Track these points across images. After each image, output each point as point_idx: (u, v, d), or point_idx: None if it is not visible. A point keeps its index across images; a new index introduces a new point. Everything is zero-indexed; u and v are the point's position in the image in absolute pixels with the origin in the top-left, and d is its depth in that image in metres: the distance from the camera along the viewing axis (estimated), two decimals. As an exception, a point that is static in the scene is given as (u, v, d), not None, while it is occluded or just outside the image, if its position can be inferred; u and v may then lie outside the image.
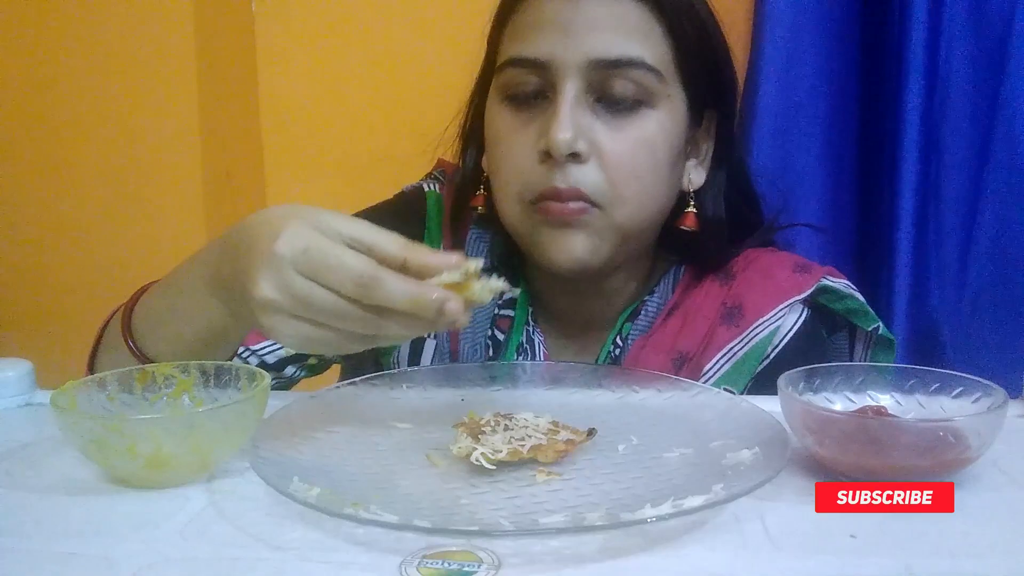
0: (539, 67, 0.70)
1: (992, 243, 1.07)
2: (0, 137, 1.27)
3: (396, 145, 1.29)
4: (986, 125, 1.03)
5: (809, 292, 0.76)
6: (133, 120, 1.26)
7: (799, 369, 0.57)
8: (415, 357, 0.81)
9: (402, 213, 0.84)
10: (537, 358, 0.79)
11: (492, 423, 0.57)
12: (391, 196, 0.89)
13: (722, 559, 0.43)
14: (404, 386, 0.67)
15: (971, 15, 1.02)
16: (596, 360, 0.80)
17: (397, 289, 0.50)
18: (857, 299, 0.78)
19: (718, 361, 0.75)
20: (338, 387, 0.66)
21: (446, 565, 0.41)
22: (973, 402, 0.54)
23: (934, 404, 0.56)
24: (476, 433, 0.55)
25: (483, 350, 0.80)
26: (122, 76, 1.24)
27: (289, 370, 0.81)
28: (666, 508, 0.45)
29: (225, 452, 0.54)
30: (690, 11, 0.73)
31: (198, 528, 0.47)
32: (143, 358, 0.67)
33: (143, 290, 0.71)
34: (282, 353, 0.79)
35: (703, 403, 0.63)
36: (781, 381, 0.55)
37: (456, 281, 0.52)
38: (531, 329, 0.80)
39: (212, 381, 0.60)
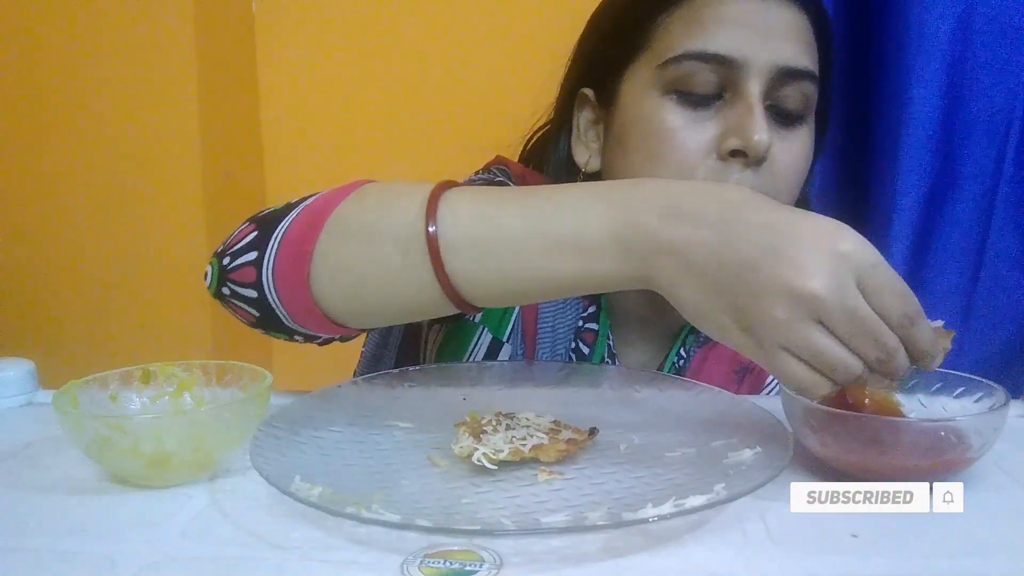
0: (725, 64, 0.69)
1: (1002, 273, 1.01)
2: (0, 137, 1.27)
3: (397, 145, 1.29)
4: (1003, 130, 0.99)
5: None
6: (133, 120, 1.25)
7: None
8: (491, 359, 0.78)
9: None
10: None
11: (494, 422, 0.57)
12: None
13: (724, 558, 0.43)
14: (406, 385, 0.67)
15: (989, 12, 0.99)
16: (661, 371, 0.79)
17: (927, 329, 0.48)
18: None
19: None
20: (340, 386, 0.66)
21: (448, 564, 0.42)
22: (975, 402, 0.54)
23: (936, 404, 0.56)
24: (478, 432, 0.55)
25: (564, 361, 0.78)
26: (122, 76, 1.24)
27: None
28: (668, 507, 0.45)
29: (227, 451, 0.54)
30: (832, 38, 0.75)
31: (200, 527, 0.47)
32: (444, 276, 0.54)
33: (439, 190, 0.56)
34: None
35: (705, 402, 0.63)
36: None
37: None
38: (610, 343, 0.79)
39: (214, 380, 0.60)
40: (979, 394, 0.54)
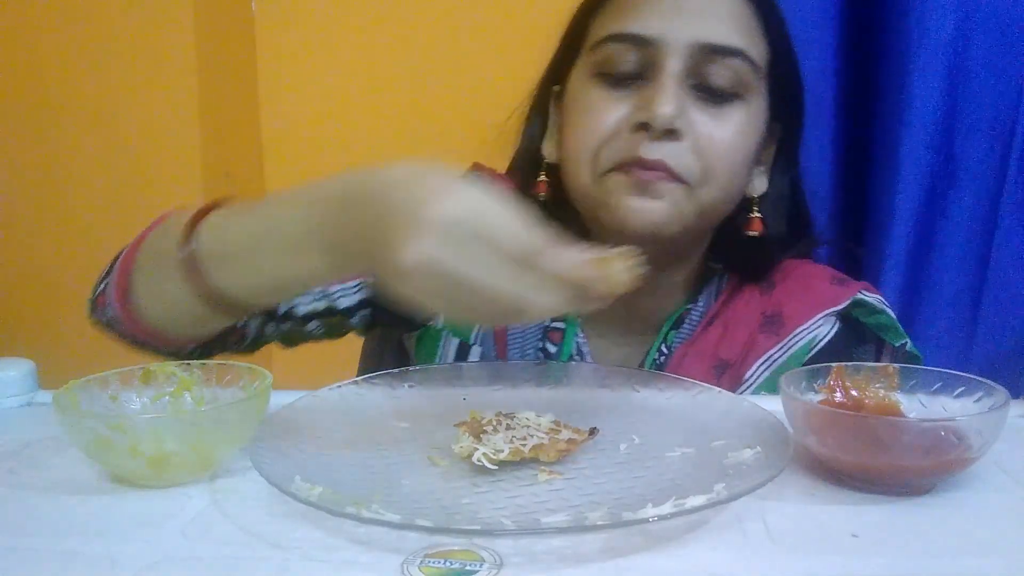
0: (643, 44, 0.71)
1: (1011, 274, 1.00)
2: (0, 137, 1.27)
3: (396, 145, 1.29)
4: (1007, 132, 0.98)
5: (845, 305, 0.77)
6: (133, 120, 1.26)
7: (801, 369, 0.57)
8: (460, 360, 0.80)
9: None
10: None
11: (494, 422, 0.57)
12: None
13: (724, 558, 0.43)
14: (406, 385, 0.67)
15: (990, 11, 0.98)
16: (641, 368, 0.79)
17: (564, 258, 0.49)
18: (889, 315, 0.79)
19: (758, 369, 0.76)
20: (340, 386, 0.66)
21: (448, 564, 0.42)
22: (975, 402, 0.54)
23: (936, 404, 0.56)
24: (478, 432, 0.55)
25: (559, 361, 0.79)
26: (122, 76, 1.24)
27: (312, 325, 0.79)
28: (668, 507, 0.45)
29: (227, 451, 0.54)
30: (783, 22, 0.76)
31: (200, 527, 0.47)
32: (206, 287, 0.61)
33: (204, 210, 0.64)
34: (311, 306, 0.78)
35: (705, 402, 0.63)
36: (782, 381, 0.55)
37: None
38: (580, 340, 0.80)
39: (214, 380, 0.60)
40: (979, 394, 0.54)
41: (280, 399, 0.61)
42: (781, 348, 0.76)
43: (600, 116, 0.72)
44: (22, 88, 1.26)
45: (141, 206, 1.27)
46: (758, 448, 0.52)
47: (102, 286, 0.71)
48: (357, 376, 0.68)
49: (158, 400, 0.59)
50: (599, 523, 0.45)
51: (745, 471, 0.50)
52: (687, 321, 0.80)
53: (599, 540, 0.44)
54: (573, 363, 0.72)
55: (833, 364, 0.58)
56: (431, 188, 0.49)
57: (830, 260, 0.97)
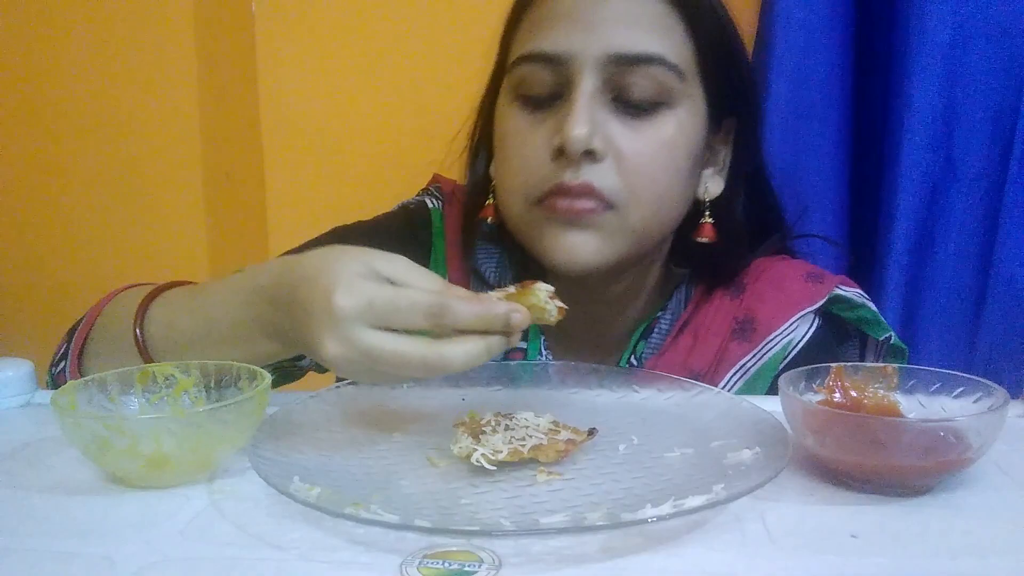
0: (555, 62, 0.68)
1: (1016, 273, 0.99)
2: (0, 137, 1.27)
3: (397, 146, 1.29)
4: (1007, 133, 0.98)
5: (821, 302, 0.75)
6: (133, 120, 1.25)
7: (800, 369, 0.57)
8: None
9: (408, 231, 0.83)
10: None
11: (492, 423, 0.57)
12: (394, 208, 0.86)
13: (723, 559, 0.43)
14: (405, 386, 0.67)
15: (991, 14, 0.98)
16: None
17: (465, 310, 0.51)
18: (870, 308, 0.77)
19: (731, 379, 0.74)
20: (338, 387, 0.66)
21: (447, 565, 0.41)
22: (974, 402, 0.54)
23: (935, 404, 0.56)
24: (476, 433, 0.55)
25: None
26: (122, 76, 1.24)
27: (305, 361, 0.79)
28: (667, 508, 0.45)
29: (226, 452, 0.54)
30: (711, 11, 0.71)
31: (199, 528, 0.47)
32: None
33: (149, 297, 0.68)
34: None
35: (704, 403, 0.63)
36: (781, 381, 0.55)
37: (512, 293, 0.54)
38: (544, 358, 0.79)
39: (212, 381, 0.60)
40: (978, 394, 0.54)
41: (279, 400, 0.61)
42: (754, 356, 0.74)
43: (521, 144, 0.70)
44: (22, 88, 1.26)
45: (141, 207, 1.27)
46: (757, 448, 0.52)
47: (61, 365, 0.72)
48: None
49: (156, 401, 0.59)
50: (598, 524, 0.45)
51: (744, 471, 0.50)
52: (656, 330, 0.78)
53: (598, 541, 0.44)
54: (572, 364, 0.72)
55: (832, 364, 0.58)
56: (328, 283, 0.52)
57: (832, 261, 0.96)
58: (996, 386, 0.53)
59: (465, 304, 0.51)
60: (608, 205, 0.68)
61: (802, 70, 1.06)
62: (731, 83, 0.74)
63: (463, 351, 0.51)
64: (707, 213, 0.76)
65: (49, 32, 1.24)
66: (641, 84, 0.68)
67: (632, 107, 0.68)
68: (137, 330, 0.66)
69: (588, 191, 0.67)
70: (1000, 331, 1.01)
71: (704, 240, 0.75)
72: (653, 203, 0.70)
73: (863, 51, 1.08)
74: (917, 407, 0.57)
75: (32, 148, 1.28)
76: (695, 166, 0.73)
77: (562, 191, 0.68)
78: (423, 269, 0.55)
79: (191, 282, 0.74)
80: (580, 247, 0.69)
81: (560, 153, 0.67)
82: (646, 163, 0.69)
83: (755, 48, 1.07)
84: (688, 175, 0.72)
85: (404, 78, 1.31)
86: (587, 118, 0.66)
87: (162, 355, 0.66)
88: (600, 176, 0.68)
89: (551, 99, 0.69)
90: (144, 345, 0.66)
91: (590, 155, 0.67)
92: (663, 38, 0.68)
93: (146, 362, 0.66)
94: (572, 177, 0.67)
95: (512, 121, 0.72)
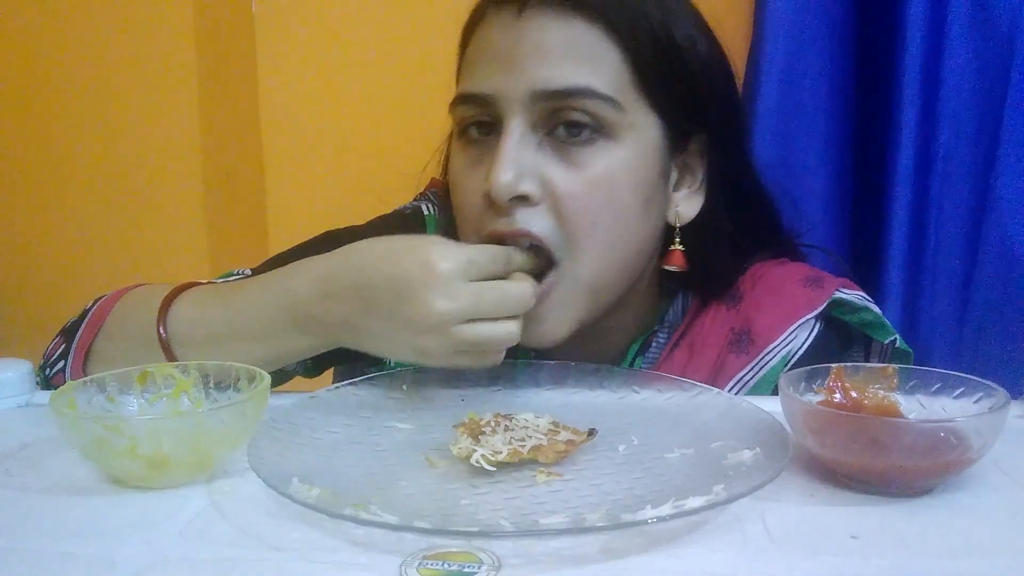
0: (482, 103, 0.66)
1: (1000, 258, 1.01)
2: (0, 137, 1.27)
3: (396, 146, 1.29)
4: (992, 130, 0.99)
5: (821, 308, 0.72)
6: (133, 120, 1.26)
7: (800, 369, 0.57)
8: None
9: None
10: None
11: (492, 424, 0.57)
12: (391, 212, 0.86)
13: (723, 560, 0.43)
14: (404, 386, 0.67)
15: (976, 13, 0.99)
16: None
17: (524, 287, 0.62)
18: (872, 311, 0.74)
19: (729, 391, 0.70)
20: (338, 387, 0.66)
21: (446, 566, 0.41)
22: (974, 403, 0.54)
23: (935, 404, 0.56)
24: (476, 434, 0.55)
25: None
26: (122, 76, 1.24)
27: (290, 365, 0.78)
28: (667, 509, 0.45)
29: (225, 452, 0.54)
30: (651, 29, 0.66)
31: (198, 528, 0.47)
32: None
33: (172, 295, 0.68)
34: None
35: (704, 403, 0.63)
36: (782, 381, 0.55)
37: None
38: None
39: (211, 381, 0.59)
40: (979, 395, 0.54)
41: (278, 400, 0.61)
42: (753, 368, 0.71)
43: (462, 188, 0.69)
44: (21, 88, 1.26)
45: (141, 206, 1.28)
46: (757, 449, 0.52)
47: (59, 365, 0.71)
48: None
49: (156, 401, 0.59)
50: (598, 524, 0.45)
51: (744, 472, 0.50)
52: (654, 344, 0.77)
53: (598, 541, 0.44)
54: (572, 364, 0.71)
55: (833, 365, 0.58)
56: (423, 253, 0.59)
57: (834, 263, 0.96)
58: (997, 386, 0.53)
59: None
60: (550, 257, 0.66)
61: (792, 70, 1.06)
62: (690, 99, 0.69)
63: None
64: (677, 240, 0.72)
65: (49, 32, 1.24)
66: (572, 118, 0.65)
67: (566, 143, 0.65)
68: (161, 328, 0.66)
69: (523, 235, 0.65)
70: (994, 334, 1.01)
71: (672, 268, 0.73)
72: (597, 247, 0.66)
73: (860, 49, 1.08)
74: (917, 408, 0.57)
75: (32, 149, 1.28)
76: (653, 196, 0.69)
77: (496, 239, 0.66)
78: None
79: (208, 282, 0.73)
80: (539, 324, 0.66)
81: (490, 200, 0.66)
82: (583, 204, 0.65)
83: (750, 49, 1.07)
84: (643, 209, 0.68)
85: (404, 78, 1.31)
86: (511, 163, 0.63)
87: (186, 353, 0.66)
88: (535, 221, 0.65)
89: (486, 138, 0.68)
90: (168, 342, 0.66)
91: (524, 200, 0.65)
92: (592, 68, 0.65)
93: (169, 360, 0.66)
94: (505, 224, 0.65)
95: (456, 160, 0.71)
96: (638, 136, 0.67)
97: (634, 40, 0.66)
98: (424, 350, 0.60)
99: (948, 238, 1.04)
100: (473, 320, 0.59)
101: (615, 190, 0.66)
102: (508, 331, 0.61)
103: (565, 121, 0.65)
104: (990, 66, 0.99)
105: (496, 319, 0.60)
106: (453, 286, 0.58)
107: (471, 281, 0.59)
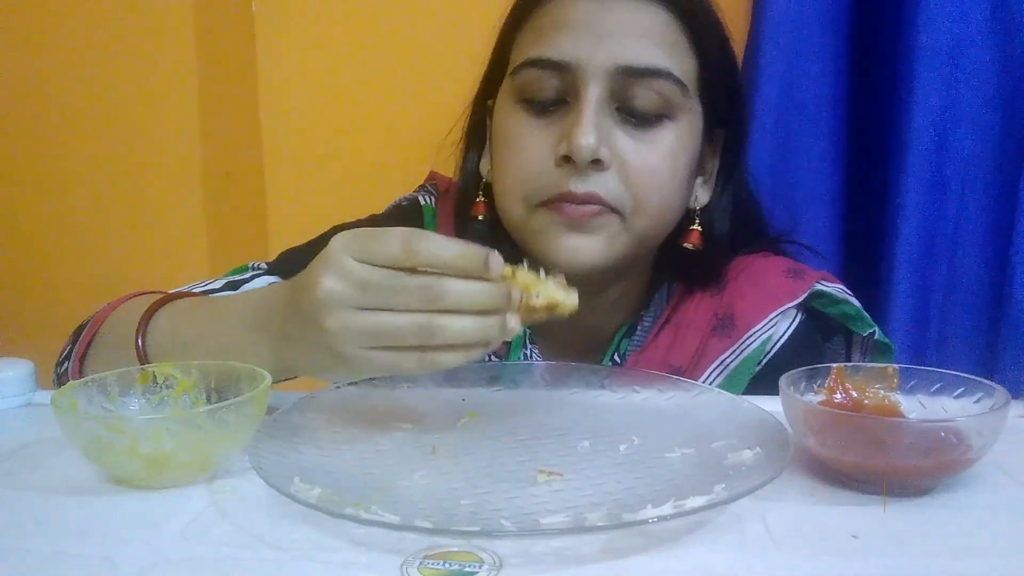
0: (562, 69, 0.69)
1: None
2: (0, 137, 1.27)
3: (397, 146, 1.29)
4: (1020, 134, 0.97)
5: (802, 298, 0.76)
6: (133, 120, 1.25)
7: (801, 369, 0.57)
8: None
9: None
10: None
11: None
12: (388, 207, 0.87)
13: (724, 559, 0.43)
14: (405, 386, 0.67)
15: (998, 10, 0.98)
16: None
17: (461, 285, 0.50)
18: (852, 304, 0.77)
19: (711, 373, 0.75)
20: (338, 387, 0.66)
21: (447, 566, 0.41)
22: (975, 402, 0.54)
23: (936, 404, 0.56)
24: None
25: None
26: (122, 76, 1.24)
27: None
28: (667, 508, 0.45)
29: (226, 452, 0.54)
30: (716, 28, 0.74)
31: (199, 528, 0.47)
32: None
33: (154, 307, 0.68)
34: None
35: (705, 403, 0.63)
36: (782, 381, 0.55)
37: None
38: (528, 351, 0.79)
39: (212, 381, 0.59)
40: (979, 395, 0.54)
41: (279, 400, 0.61)
42: (734, 352, 0.75)
43: (525, 149, 0.71)
44: (21, 88, 1.26)
45: (141, 206, 1.27)
46: (758, 449, 0.52)
47: (65, 365, 0.73)
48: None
49: (157, 402, 0.59)
50: (599, 524, 0.45)
51: (745, 472, 0.50)
52: (640, 328, 0.79)
53: (599, 541, 0.44)
54: (574, 364, 0.72)
55: (833, 365, 0.58)
56: (312, 268, 0.53)
57: (823, 263, 0.95)
58: (997, 386, 0.53)
59: (462, 282, 0.51)
60: (615, 212, 0.70)
61: (792, 69, 1.06)
62: (726, 97, 0.75)
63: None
64: (697, 221, 0.77)
65: (49, 32, 1.24)
66: (647, 96, 0.69)
67: (636, 118, 0.70)
68: (139, 340, 0.66)
69: (594, 200, 0.69)
70: (1020, 334, 0.99)
71: (690, 246, 0.77)
72: (657, 210, 0.71)
73: (857, 52, 1.08)
74: (918, 407, 0.57)
75: (32, 148, 1.28)
76: (690, 176, 0.75)
77: (568, 199, 0.69)
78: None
79: (201, 292, 0.74)
80: (583, 250, 0.70)
81: (566, 160, 0.68)
82: (651, 173, 0.70)
83: (746, 50, 1.07)
84: (686, 185, 0.74)
85: (404, 77, 1.31)
86: (594, 127, 0.67)
87: (158, 360, 0.65)
88: (606, 185, 0.69)
89: (555, 105, 0.70)
90: (145, 354, 0.66)
91: (596, 164, 0.68)
92: (670, 52, 0.70)
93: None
94: (578, 186, 0.68)
95: (514, 124, 0.72)
96: (691, 121, 0.72)
97: (701, 35, 0.72)
98: (331, 347, 0.52)
99: (971, 246, 1.01)
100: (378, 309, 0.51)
101: (674, 165, 0.71)
102: (418, 324, 0.50)
103: (639, 97, 0.69)
104: (1011, 66, 0.97)
105: (412, 311, 0.51)
106: (340, 263, 0.51)
107: (375, 266, 0.52)
